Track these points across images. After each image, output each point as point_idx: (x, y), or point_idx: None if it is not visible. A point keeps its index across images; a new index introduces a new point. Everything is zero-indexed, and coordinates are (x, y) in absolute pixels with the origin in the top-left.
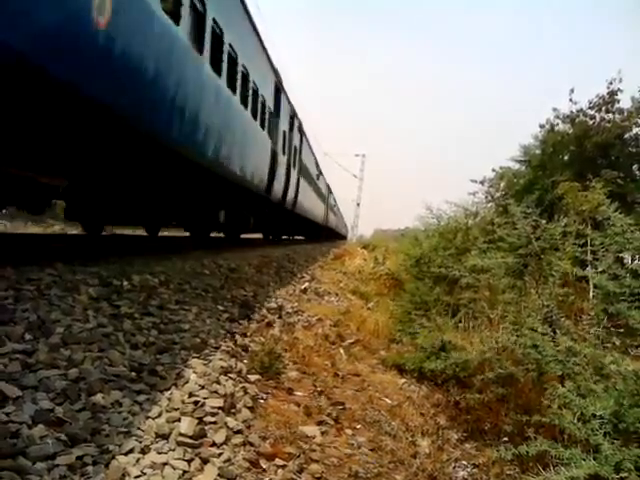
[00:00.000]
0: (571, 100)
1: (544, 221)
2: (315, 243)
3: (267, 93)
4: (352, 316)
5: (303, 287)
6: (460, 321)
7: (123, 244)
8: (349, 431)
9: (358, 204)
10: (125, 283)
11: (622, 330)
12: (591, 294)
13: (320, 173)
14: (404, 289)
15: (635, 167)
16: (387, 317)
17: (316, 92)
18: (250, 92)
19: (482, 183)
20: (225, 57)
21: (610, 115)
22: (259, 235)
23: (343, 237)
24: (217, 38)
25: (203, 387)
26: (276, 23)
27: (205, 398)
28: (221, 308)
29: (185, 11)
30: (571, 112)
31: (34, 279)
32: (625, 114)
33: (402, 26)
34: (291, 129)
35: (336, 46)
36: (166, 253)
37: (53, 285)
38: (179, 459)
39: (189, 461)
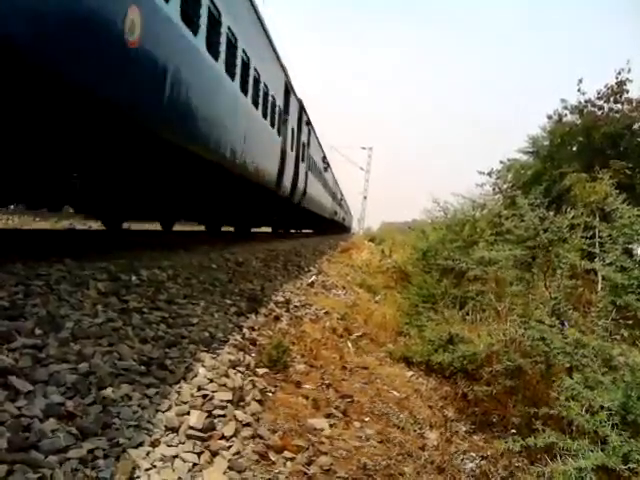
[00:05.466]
0: (579, 90)
1: (552, 213)
2: (322, 236)
3: (277, 92)
4: (359, 309)
5: (310, 280)
6: (468, 314)
7: (133, 239)
8: (357, 424)
9: (365, 197)
10: (134, 278)
11: (630, 322)
12: (599, 286)
13: (328, 166)
14: (411, 282)
15: None
16: (394, 310)
17: (321, 85)
18: (261, 93)
19: (489, 175)
20: (238, 62)
21: (619, 105)
22: (268, 229)
23: (349, 229)
24: (231, 45)
25: (212, 381)
26: (277, 13)
27: (214, 391)
28: (229, 302)
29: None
30: (579, 103)
31: (43, 274)
32: (634, 104)
33: (404, 18)
34: (299, 125)
35: (336, 37)
36: (174, 248)
37: (62, 280)
38: (189, 452)
39: (199, 454)
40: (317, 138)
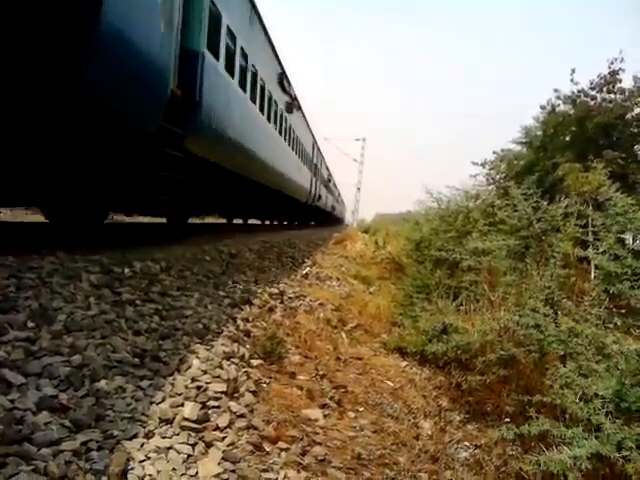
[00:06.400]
0: (572, 81)
1: (545, 202)
2: (315, 228)
3: None
4: (354, 300)
5: (304, 272)
6: (461, 304)
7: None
8: (352, 414)
9: (359, 188)
10: (126, 270)
11: (624, 310)
12: (592, 275)
13: (297, 108)
14: (405, 273)
15: (637, 147)
16: (388, 301)
17: (320, 84)
18: None
19: (483, 165)
20: None
21: (611, 95)
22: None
23: (342, 221)
24: None
25: (206, 372)
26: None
27: (208, 383)
28: (222, 294)
29: None
30: (572, 93)
31: (35, 267)
32: (627, 94)
33: (404, 18)
34: None
35: (336, 37)
36: (167, 240)
37: (54, 273)
38: (183, 443)
39: (193, 445)
40: (270, 40)
